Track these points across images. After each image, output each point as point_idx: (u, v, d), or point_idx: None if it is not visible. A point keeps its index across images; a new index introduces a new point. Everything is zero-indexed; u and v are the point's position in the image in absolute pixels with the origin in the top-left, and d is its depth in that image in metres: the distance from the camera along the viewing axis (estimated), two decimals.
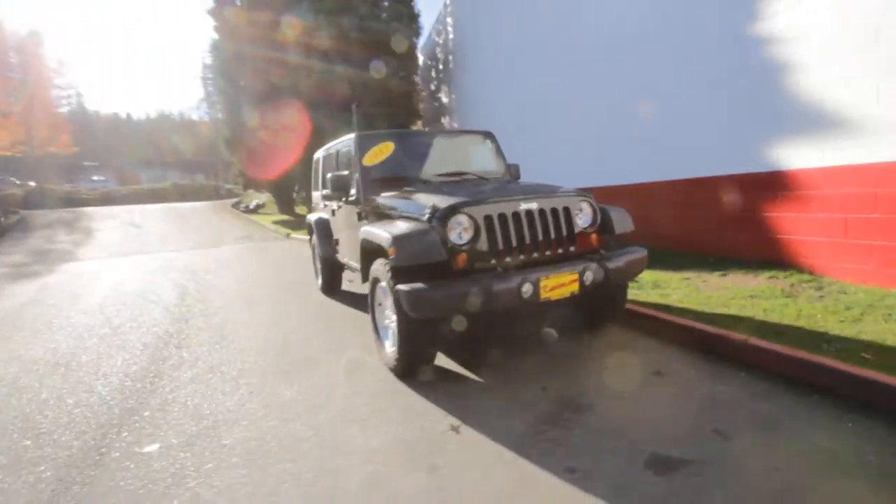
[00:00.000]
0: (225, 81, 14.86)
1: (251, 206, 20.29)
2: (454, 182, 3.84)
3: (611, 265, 2.92)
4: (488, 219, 2.82)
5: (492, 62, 9.73)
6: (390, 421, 2.49)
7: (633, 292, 4.03)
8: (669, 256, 5.26)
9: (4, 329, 4.69)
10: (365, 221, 3.61)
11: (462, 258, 2.74)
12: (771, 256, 4.53)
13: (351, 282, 5.36)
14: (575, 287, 2.79)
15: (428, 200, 2.96)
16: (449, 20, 11.82)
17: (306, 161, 10.64)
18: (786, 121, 4.34)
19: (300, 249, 9.49)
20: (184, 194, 30.51)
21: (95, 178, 37.76)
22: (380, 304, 3.24)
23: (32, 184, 27.24)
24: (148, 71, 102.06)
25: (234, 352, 3.71)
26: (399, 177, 3.90)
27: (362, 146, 3.78)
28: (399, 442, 2.29)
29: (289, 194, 16.31)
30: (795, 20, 4.22)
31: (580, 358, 3.24)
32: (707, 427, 2.23)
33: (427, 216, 2.83)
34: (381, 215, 3.43)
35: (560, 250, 2.98)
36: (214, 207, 22.44)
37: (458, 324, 2.74)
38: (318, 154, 5.49)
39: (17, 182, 26.78)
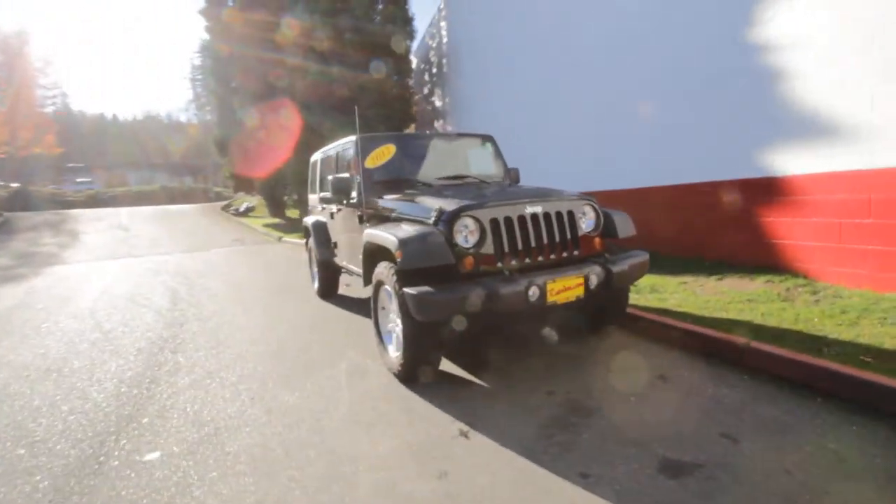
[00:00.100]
0: (216, 82, 14.71)
1: (241, 209, 20.04)
2: (456, 185, 3.83)
3: (614, 269, 2.93)
4: (494, 222, 2.81)
5: (489, 64, 9.73)
6: (397, 426, 2.46)
7: (632, 296, 4.03)
8: (666, 260, 5.30)
9: None
10: (367, 224, 3.58)
11: (468, 261, 2.73)
12: (766, 261, 4.59)
13: (348, 286, 5.32)
14: (580, 291, 2.79)
15: (433, 203, 2.94)
16: (443, 24, 11.84)
17: (298, 163, 10.56)
18: (781, 126, 4.41)
19: (293, 253, 9.41)
20: (173, 197, 30.12)
21: (80, 179, 36.63)
22: (383, 308, 3.21)
23: (15, 185, 26.67)
24: (135, 71, 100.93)
25: (231, 357, 3.65)
26: (400, 179, 3.88)
27: (364, 148, 3.74)
28: (407, 447, 2.26)
29: (280, 197, 16.15)
30: (792, 27, 4.28)
31: (584, 361, 3.23)
32: (715, 430, 2.24)
33: (433, 219, 2.81)
34: (384, 218, 3.40)
35: (564, 254, 2.98)
36: (204, 210, 22.13)
37: (459, 323, 2.69)
38: (316, 156, 5.44)
39: (1, 183, 26.21)
